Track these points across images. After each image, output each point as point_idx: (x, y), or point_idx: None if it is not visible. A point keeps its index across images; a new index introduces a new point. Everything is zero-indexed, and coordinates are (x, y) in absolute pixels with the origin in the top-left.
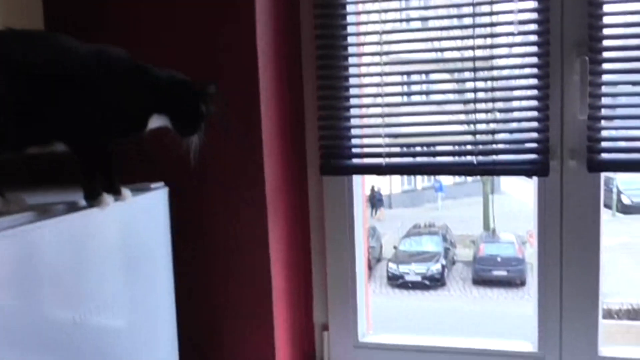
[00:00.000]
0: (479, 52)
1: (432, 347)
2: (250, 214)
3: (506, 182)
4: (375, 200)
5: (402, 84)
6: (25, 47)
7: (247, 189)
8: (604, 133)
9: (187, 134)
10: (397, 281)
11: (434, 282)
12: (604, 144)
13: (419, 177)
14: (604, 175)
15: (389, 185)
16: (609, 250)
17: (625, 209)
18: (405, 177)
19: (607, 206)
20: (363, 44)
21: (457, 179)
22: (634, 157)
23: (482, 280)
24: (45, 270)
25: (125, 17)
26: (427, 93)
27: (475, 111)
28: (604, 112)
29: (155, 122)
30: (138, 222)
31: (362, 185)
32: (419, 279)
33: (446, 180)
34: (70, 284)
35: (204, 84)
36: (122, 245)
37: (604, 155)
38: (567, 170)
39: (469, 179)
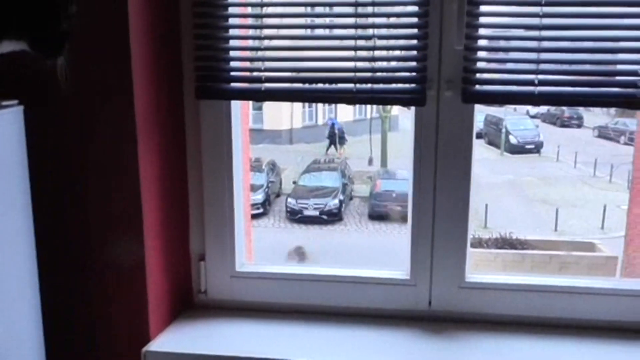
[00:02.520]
0: None
1: (308, 275)
2: (118, 139)
3: (403, 120)
4: (337, 137)
5: (283, 5)
6: None
7: (114, 111)
8: (480, 64)
9: (49, 56)
10: (295, 216)
11: (332, 217)
12: (479, 76)
13: (320, 113)
14: (493, 115)
15: (290, 120)
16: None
17: (513, 149)
18: (306, 112)
19: (496, 145)
20: None
21: (357, 115)
22: (508, 89)
23: (378, 215)
24: None
25: None
26: (308, 16)
27: (355, 37)
28: (480, 43)
29: (8, 46)
30: None
31: (244, 112)
32: (317, 213)
33: (346, 116)
34: None
35: (62, 1)
36: None
37: (479, 87)
38: (443, 100)
39: (368, 115)
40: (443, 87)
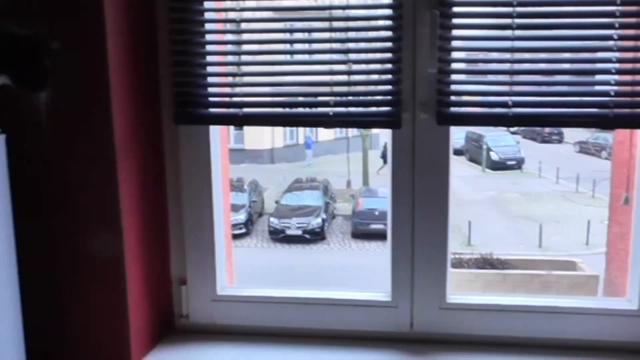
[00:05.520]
0: (336, 2)
1: (289, 298)
2: (98, 164)
3: (385, 138)
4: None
5: (259, 31)
6: None
7: (94, 137)
8: (454, 87)
9: (32, 91)
10: (278, 235)
11: (315, 236)
12: (453, 98)
13: (301, 132)
14: (474, 132)
15: (272, 139)
16: (478, 204)
17: (494, 165)
18: (287, 131)
19: (477, 162)
20: None
21: (339, 134)
22: (481, 111)
23: (361, 233)
24: None
25: None
26: (285, 42)
27: (331, 62)
28: (454, 66)
29: None
30: None
31: (223, 136)
32: (299, 232)
33: (327, 135)
34: None
35: (45, 37)
36: None
37: (453, 109)
38: (418, 122)
39: (350, 134)
40: (418, 110)
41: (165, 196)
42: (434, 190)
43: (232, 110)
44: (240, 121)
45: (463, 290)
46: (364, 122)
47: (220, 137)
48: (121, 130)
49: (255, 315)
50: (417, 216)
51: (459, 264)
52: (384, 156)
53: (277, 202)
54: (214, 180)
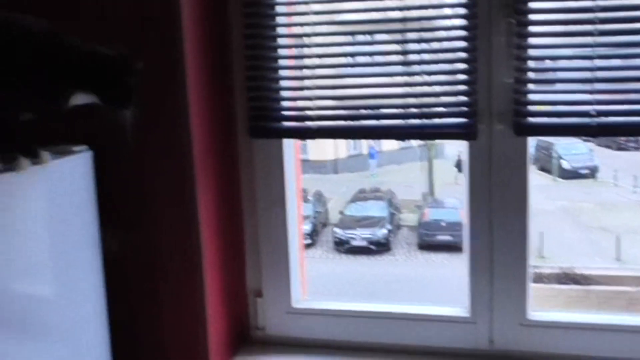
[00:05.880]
0: (408, 14)
1: (365, 312)
2: (178, 179)
3: (449, 147)
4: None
5: (331, 45)
6: None
7: (174, 153)
8: (531, 97)
9: (118, 108)
10: (343, 246)
11: (380, 247)
12: (530, 108)
13: (364, 142)
14: (544, 140)
15: (335, 150)
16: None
17: (565, 174)
18: (350, 142)
19: (548, 171)
20: (292, 3)
21: (402, 143)
22: (560, 121)
23: (427, 245)
24: None
25: None
26: (357, 54)
27: (404, 74)
28: (531, 75)
29: (80, 99)
30: (61, 187)
31: (296, 148)
32: (364, 243)
33: (390, 145)
34: None
35: (129, 57)
36: (44, 210)
37: (531, 119)
38: (495, 133)
39: (414, 143)
40: (494, 121)
41: (240, 208)
42: (512, 201)
43: (305, 123)
44: (313, 134)
45: (544, 306)
46: (439, 133)
47: (293, 148)
48: (199, 144)
49: (330, 329)
50: (495, 229)
51: (538, 278)
52: (458, 165)
53: (341, 212)
54: (287, 191)
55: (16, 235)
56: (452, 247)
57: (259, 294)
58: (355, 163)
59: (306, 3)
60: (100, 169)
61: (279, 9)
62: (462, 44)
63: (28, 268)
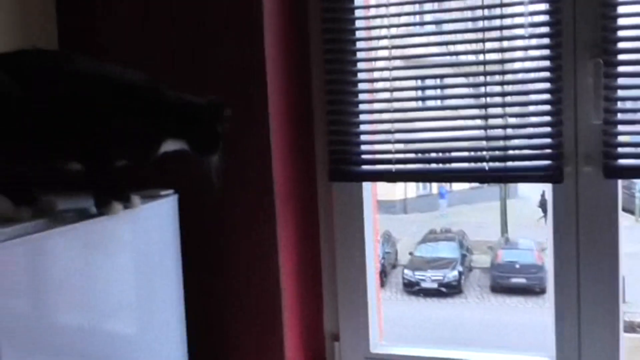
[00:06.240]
0: (490, 56)
1: (445, 358)
2: (259, 222)
3: (523, 187)
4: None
5: (412, 89)
6: (44, 66)
7: (256, 196)
8: (621, 138)
9: (206, 155)
10: (412, 288)
11: (451, 289)
12: (620, 150)
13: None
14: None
15: (404, 189)
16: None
17: None
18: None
19: (629, 211)
20: (372, 49)
21: (473, 183)
22: None
23: (501, 287)
24: (56, 276)
25: (136, 35)
26: (438, 98)
27: (486, 116)
28: (620, 116)
29: (170, 146)
30: (148, 229)
31: (373, 190)
32: (435, 285)
33: (462, 185)
34: (80, 291)
35: (218, 106)
36: (132, 252)
37: (621, 161)
38: (582, 176)
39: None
40: (581, 162)
41: (318, 250)
42: (601, 246)
43: (385, 166)
44: (393, 177)
45: (635, 357)
46: (523, 176)
47: (371, 190)
48: (281, 188)
49: None
50: (583, 274)
51: (629, 327)
52: (542, 205)
53: (411, 253)
54: (366, 233)
55: (105, 277)
56: (527, 290)
57: (336, 337)
58: (425, 203)
59: (387, 48)
60: (184, 213)
61: (360, 55)
62: (547, 85)
63: (115, 309)
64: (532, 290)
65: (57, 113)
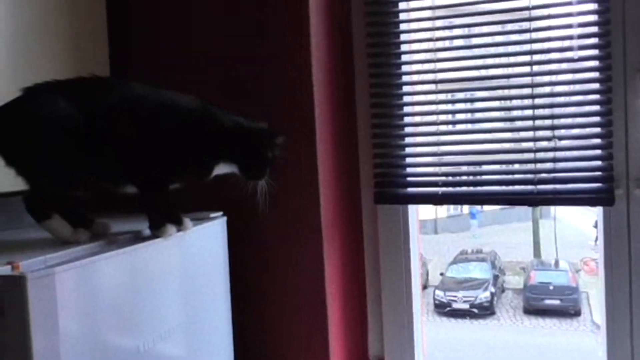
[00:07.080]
0: (538, 79)
1: None
2: (306, 245)
3: (559, 207)
4: None
5: (457, 112)
6: (100, 93)
7: (303, 219)
8: None
9: (254, 179)
10: (444, 309)
11: (483, 311)
12: None
13: None
14: None
15: (435, 209)
16: None
17: None
18: None
19: None
20: (417, 72)
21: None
22: None
23: (534, 309)
24: (109, 299)
25: (187, 61)
26: (484, 121)
27: (534, 139)
28: None
29: (222, 169)
30: (197, 252)
31: (417, 212)
32: (467, 306)
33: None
34: (134, 313)
35: (272, 132)
36: (183, 274)
37: None
38: (634, 199)
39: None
40: (632, 185)
41: (363, 273)
42: None
43: (431, 189)
44: (439, 200)
45: None
46: (572, 199)
47: (416, 213)
48: (327, 213)
49: None
50: (636, 301)
51: None
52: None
53: (442, 274)
54: (411, 255)
55: (155, 299)
56: (561, 312)
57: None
58: (455, 223)
59: (433, 72)
60: (232, 235)
61: (405, 78)
62: (596, 107)
63: (165, 331)
64: (566, 312)
65: (115, 138)
